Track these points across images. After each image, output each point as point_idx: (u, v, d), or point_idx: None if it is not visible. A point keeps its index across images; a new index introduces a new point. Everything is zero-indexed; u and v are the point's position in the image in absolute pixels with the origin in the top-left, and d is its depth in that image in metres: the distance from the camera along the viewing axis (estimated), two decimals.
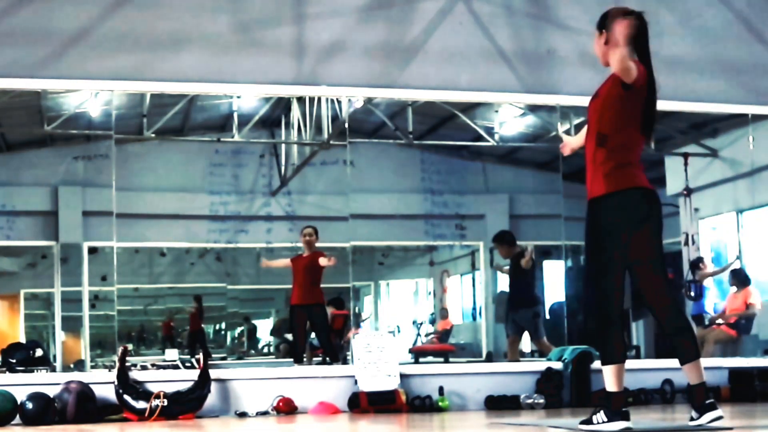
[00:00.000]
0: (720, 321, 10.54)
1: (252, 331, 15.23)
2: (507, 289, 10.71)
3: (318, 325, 10.11)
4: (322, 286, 10.07)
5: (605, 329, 5.11)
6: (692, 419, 5.06)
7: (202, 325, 14.42)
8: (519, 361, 9.78)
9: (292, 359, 10.13)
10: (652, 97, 5.14)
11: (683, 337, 5.07)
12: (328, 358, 9.86)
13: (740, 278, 10.43)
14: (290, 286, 10.12)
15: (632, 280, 5.16)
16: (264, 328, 15.52)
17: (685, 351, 5.05)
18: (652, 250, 5.09)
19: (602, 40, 5.19)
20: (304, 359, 10.17)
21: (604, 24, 5.20)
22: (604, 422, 5.05)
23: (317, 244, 10.10)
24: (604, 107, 5.15)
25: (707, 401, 5.00)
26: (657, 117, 5.23)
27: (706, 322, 10.67)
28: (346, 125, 8.94)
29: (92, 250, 11.66)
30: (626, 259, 5.08)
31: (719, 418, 4.95)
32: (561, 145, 5.71)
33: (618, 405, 5.05)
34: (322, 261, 9.78)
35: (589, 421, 5.14)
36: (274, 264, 11.09)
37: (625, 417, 5.04)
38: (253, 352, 14.90)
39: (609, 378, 5.08)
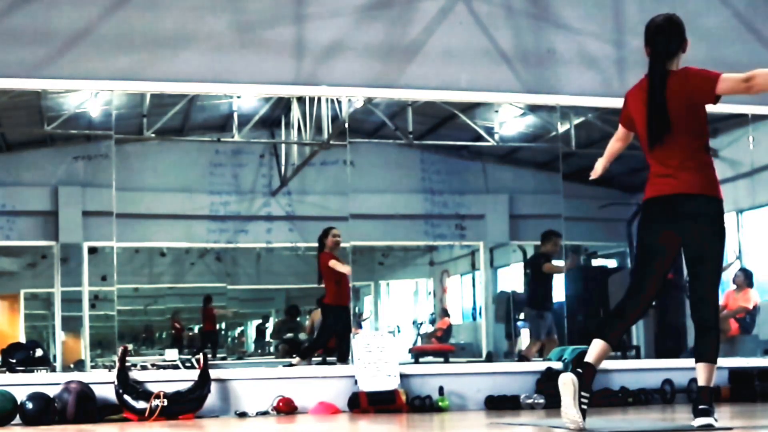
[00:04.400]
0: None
1: (263, 331, 15.15)
2: (533, 290, 10.47)
3: (347, 326, 10.11)
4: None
5: (614, 318, 5.28)
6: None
7: (216, 326, 14.35)
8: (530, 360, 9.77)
9: (299, 357, 10.08)
10: (652, 107, 5.23)
11: (708, 336, 5.17)
12: (337, 358, 9.84)
13: (749, 278, 10.47)
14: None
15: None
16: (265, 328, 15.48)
17: (704, 350, 5.15)
18: (700, 247, 5.20)
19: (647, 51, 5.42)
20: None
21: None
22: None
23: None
24: None
25: (700, 406, 5.05)
26: (654, 122, 5.37)
27: None
28: (346, 125, 8.94)
29: (92, 250, 11.62)
30: (665, 264, 5.26)
31: (708, 426, 5.01)
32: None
33: (588, 380, 5.15)
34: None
35: None
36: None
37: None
38: (260, 351, 14.84)
39: (592, 349, 5.19)
